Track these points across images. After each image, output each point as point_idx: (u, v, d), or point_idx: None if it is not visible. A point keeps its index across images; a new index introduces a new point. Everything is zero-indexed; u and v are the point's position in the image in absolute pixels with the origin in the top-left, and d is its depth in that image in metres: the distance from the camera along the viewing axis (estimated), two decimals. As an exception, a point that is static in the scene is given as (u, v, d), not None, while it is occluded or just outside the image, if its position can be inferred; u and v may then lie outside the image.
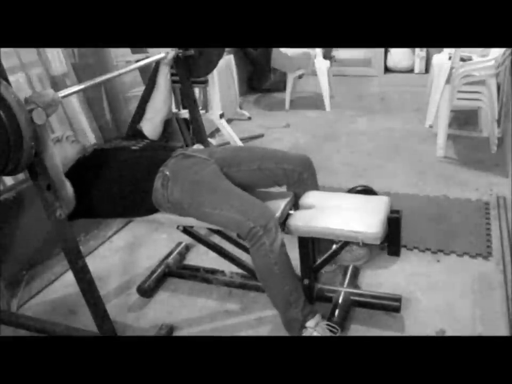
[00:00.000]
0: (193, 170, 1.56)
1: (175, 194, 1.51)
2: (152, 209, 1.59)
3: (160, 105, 1.91)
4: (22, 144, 1.13)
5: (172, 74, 3.09)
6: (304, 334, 1.50)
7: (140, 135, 1.85)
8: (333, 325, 1.53)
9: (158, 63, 1.94)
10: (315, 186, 1.73)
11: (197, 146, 1.88)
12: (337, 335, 1.52)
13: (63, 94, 1.36)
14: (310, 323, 1.50)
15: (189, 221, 1.59)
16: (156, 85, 1.92)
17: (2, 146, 1.13)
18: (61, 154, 1.60)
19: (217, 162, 1.64)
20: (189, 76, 2.07)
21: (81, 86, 1.52)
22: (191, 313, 1.83)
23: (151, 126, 1.88)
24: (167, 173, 1.54)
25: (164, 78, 1.91)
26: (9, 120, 1.11)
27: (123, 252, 2.29)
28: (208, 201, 1.47)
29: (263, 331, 1.70)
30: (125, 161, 1.62)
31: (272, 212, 1.47)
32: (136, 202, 1.58)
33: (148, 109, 1.91)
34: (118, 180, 1.58)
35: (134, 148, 1.70)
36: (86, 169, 1.62)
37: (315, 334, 1.48)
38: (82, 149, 1.70)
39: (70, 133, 1.73)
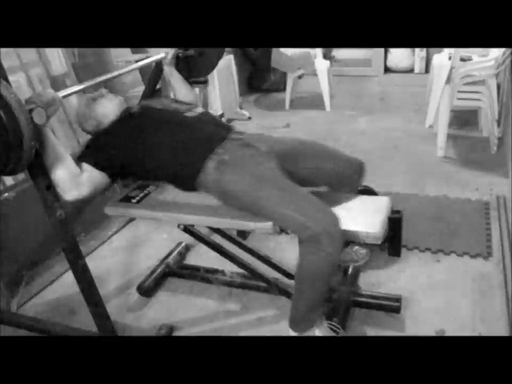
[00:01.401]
0: (254, 163, 1.47)
1: (232, 183, 1.43)
2: (191, 187, 1.52)
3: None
4: (22, 144, 1.14)
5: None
6: (306, 333, 1.49)
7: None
8: (336, 324, 1.53)
9: (158, 63, 1.94)
10: (357, 188, 1.70)
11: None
12: (340, 335, 1.52)
13: (63, 94, 1.36)
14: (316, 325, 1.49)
15: (190, 220, 1.59)
16: (171, 87, 1.92)
17: (3, 146, 1.13)
18: (100, 111, 1.60)
19: (276, 157, 1.54)
20: (189, 75, 2.06)
21: (81, 86, 1.52)
22: (191, 313, 1.83)
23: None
24: (224, 157, 1.45)
25: (174, 78, 1.90)
26: (9, 119, 1.11)
27: (123, 252, 2.29)
28: (271, 196, 1.39)
29: (263, 331, 1.70)
30: (178, 128, 1.54)
31: (339, 220, 1.39)
32: (178, 174, 1.51)
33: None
34: (166, 146, 1.50)
35: (187, 114, 1.60)
36: (133, 125, 1.57)
37: (317, 333, 1.48)
38: (122, 103, 1.66)
39: (105, 91, 1.68)
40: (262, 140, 1.60)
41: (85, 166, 1.48)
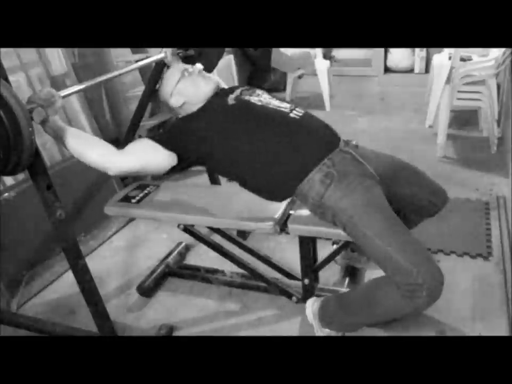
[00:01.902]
0: (363, 184, 1.33)
1: (335, 199, 1.31)
2: (286, 197, 1.42)
3: None
4: (23, 144, 1.14)
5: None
6: (323, 330, 1.49)
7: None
8: None
9: (158, 63, 1.94)
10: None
11: (355, 142, 1.53)
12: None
13: (63, 94, 1.36)
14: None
15: (190, 220, 1.59)
16: None
17: (2, 146, 1.13)
18: (190, 88, 1.48)
19: (381, 182, 1.41)
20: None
21: (81, 86, 1.52)
22: (191, 313, 1.83)
23: None
24: (332, 171, 1.33)
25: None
26: (9, 119, 1.11)
27: (123, 252, 2.29)
28: (377, 227, 1.27)
29: (263, 331, 1.70)
30: (284, 130, 1.38)
31: (443, 276, 1.26)
32: (278, 182, 1.38)
33: None
34: (269, 150, 1.36)
35: (291, 115, 1.42)
36: (229, 120, 1.41)
37: (319, 333, 1.48)
38: (216, 86, 1.52)
39: (201, 67, 1.55)
40: (366, 156, 1.44)
41: (140, 141, 1.40)
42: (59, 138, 1.32)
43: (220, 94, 1.50)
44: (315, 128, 1.44)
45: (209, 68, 2.03)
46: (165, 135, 1.44)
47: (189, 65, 1.57)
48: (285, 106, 1.46)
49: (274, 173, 1.38)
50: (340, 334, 1.50)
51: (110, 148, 1.36)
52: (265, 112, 1.42)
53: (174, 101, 1.53)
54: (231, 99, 1.45)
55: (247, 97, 1.46)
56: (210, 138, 1.39)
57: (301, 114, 1.44)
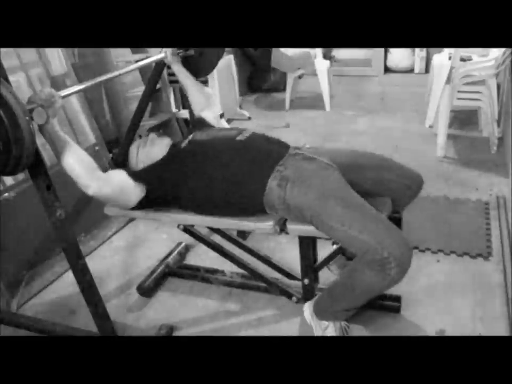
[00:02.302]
0: (319, 177, 1.41)
1: (297, 198, 1.38)
2: (260, 210, 1.47)
3: (198, 98, 1.87)
4: (23, 144, 1.14)
5: (172, 74, 3.08)
6: (321, 323, 1.51)
7: (205, 124, 1.77)
8: (348, 325, 1.54)
9: (157, 63, 1.94)
10: (409, 204, 1.66)
11: (308, 146, 1.65)
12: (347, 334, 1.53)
13: (63, 94, 1.36)
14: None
15: (190, 220, 1.59)
16: (182, 86, 1.91)
17: (3, 146, 1.13)
18: (148, 155, 1.59)
19: (339, 169, 1.49)
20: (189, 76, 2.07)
21: (81, 86, 1.52)
22: (191, 313, 1.83)
23: (210, 114, 1.83)
24: (286, 173, 1.41)
25: (182, 75, 1.88)
26: (9, 119, 1.11)
27: (123, 252, 2.29)
28: (337, 215, 1.32)
29: (263, 331, 1.70)
30: (232, 154, 1.48)
31: (410, 243, 1.32)
32: (243, 201, 1.46)
33: (193, 108, 1.89)
34: (223, 176, 1.46)
35: (239, 138, 1.53)
36: (182, 161, 1.52)
37: (330, 329, 1.49)
38: (169, 143, 1.64)
39: (153, 136, 1.68)
40: (320, 153, 1.53)
41: (117, 171, 1.49)
42: (53, 143, 1.32)
43: (173, 146, 1.63)
44: (263, 143, 1.54)
45: (209, 68, 2.03)
46: (137, 174, 1.53)
47: (143, 138, 1.69)
48: (233, 133, 1.58)
49: (238, 195, 1.45)
50: (337, 332, 1.51)
51: (97, 170, 1.40)
52: (214, 144, 1.55)
53: (141, 166, 1.62)
54: (182, 143, 1.59)
55: (198, 137, 1.60)
56: (175, 184, 1.50)
57: (247, 135, 1.55)
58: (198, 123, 1.81)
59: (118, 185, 1.45)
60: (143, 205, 1.52)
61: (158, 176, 1.52)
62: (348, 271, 1.42)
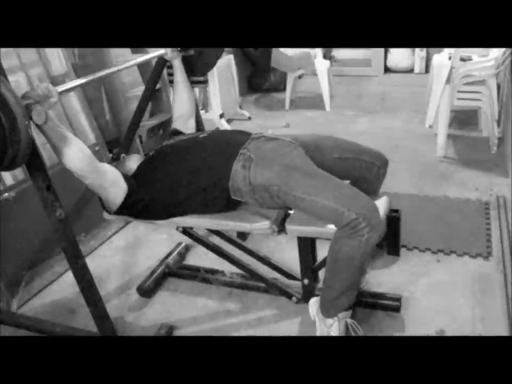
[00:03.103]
0: (280, 153, 1.46)
1: (260, 176, 1.41)
2: (230, 199, 1.48)
3: (184, 99, 1.89)
4: (19, 146, 1.13)
5: (171, 74, 3.08)
6: (333, 320, 1.50)
7: (179, 132, 1.80)
8: (357, 325, 1.52)
9: (158, 63, 1.94)
10: (380, 186, 1.70)
11: (271, 132, 1.76)
12: (359, 335, 1.51)
13: (61, 89, 1.34)
14: (342, 314, 1.50)
15: (188, 222, 1.59)
16: (174, 83, 1.91)
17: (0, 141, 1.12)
18: (126, 170, 1.60)
19: (301, 146, 1.54)
20: (189, 75, 2.06)
21: (80, 81, 1.49)
22: (191, 313, 1.83)
23: (183, 124, 1.86)
24: (250, 154, 1.44)
25: (179, 73, 1.88)
26: (6, 115, 1.10)
27: (123, 252, 2.29)
28: (302, 185, 1.37)
29: (263, 331, 1.70)
30: (195, 149, 1.53)
31: (376, 204, 1.38)
32: (212, 191, 1.47)
33: (174, 108, 1.91)
34: (188, 171, 1.49)
35: (201, 135, 1.61)
36: (152, 166, 1.57)
37: (334, 328, 1.49)
38: (139, 158, 1.70)
39: (124, 155, 1.75)
40: (284, 134, 1.59)
41: (111, 166, 1.50)
42: (51, 139, 1.30)
43: (144, 158, 1.67)
44: (225, 135, 1.64)
45: (207, 67, 2.03)
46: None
47: (117, 162, 1.74)
48: (195, 134, 1.67)
49: (200, 187, 1.48)
50: (342, 332, 1.50)
51: (95, 161, 1.40)
52: (179, 144, 1.61)
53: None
54: (151, 152, 1.66)
55: (164, 143, 1.67)
56: (149, 188, 1.52)
57: (209, 132, 1.64)
58: (174, 134, 1.81)
59: (112, 177, 1.46)
60: (127, 207, 1.52)
61: (137, 181, 1.54)
62: (330, 247, 1.44)
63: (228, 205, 1.51)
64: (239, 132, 1.65)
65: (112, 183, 1.46)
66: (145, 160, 1.64)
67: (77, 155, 1.34)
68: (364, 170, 1.61)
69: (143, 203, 1.52)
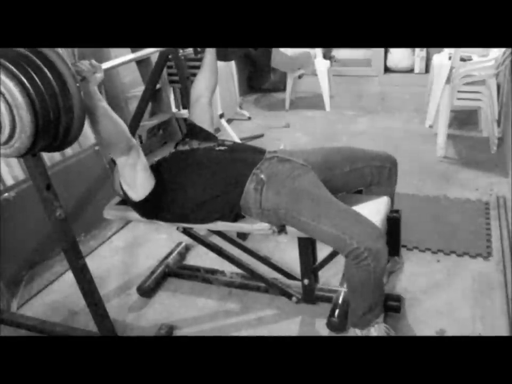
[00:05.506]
0: (291, 176, 1.48)
1: (271, 200, 1.44)
2: (238, 216, 1.52)
3: (205, 84, 1.82)
4: (73, 112, 1.12)
5: (172, 74, 3.09)
6: (366, 330, 1.50)
7: (196, 129, 1.73)
8: (388, 327, 1.53)
9: (158, 63, 1.94)
10: (395, 184, 1.72)
11: (283, 147, 1.75)
12: (391, 335, 1.52)
13: (105, 66, 1.36)
14: (374, 322, 1.51)
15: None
16: (202, 64, 1.82)
17: (53, 115, 1.11)
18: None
19: (313, 169, 1.55)
20: (189, 75, 2.07)
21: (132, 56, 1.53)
22: (191, 313, 1.83)
23: (200, 110, 1.79)
24: (262, 176, 1.47)
25: (211, 55, 1.80)
26: (60, 86, 1.10)
27: (123, 252, 2.29)
28: (308, 211, 1.40)
29: (263, 331, 1.70)
30: (212, 164, 1.54)
31: (381, 231, 1.39)
32: (223, 207, 1.50)
33: (192, 90, 1.83)
34: (204, 184, 1.50)
35: (219, 148, 1.60)
36: (167, 171, 1.55)
37: (373, 332, 1.49)
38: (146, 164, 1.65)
39: None
40: (295, 154, 1.60)
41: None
42: (90, 109, 1.28)
43: (156, 163, 1.62)
44: (240, 152, 1.59)
45: (235, 55, 2.04)
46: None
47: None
48: (213, 143, 1.63)
49: (217, 201, 1.49)
50: (383, 332, 1.51)
51: (132, 138, 1.42)
52: (195, 155, 1.59)
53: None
54: (165, 157, 1.63)
55: (177, 150, 1.64)
56: (165, 191, 1.51)
57: (227, 146, 1.61)
58: (189, 129, 1.77)
59: (143, 161, 1.46)
60: (148, 204, 1.51)
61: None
62: (344, 272, 1.47)
63: (236, 218, 1.53)
64: (253, 149, 1.66)
65: (144, 168, 1.45)
66: (160, 163, 1.60)
67: (115, 125, 1.34)
68: (375, 175, 1.64)
69: (159, 206, 1.52)
